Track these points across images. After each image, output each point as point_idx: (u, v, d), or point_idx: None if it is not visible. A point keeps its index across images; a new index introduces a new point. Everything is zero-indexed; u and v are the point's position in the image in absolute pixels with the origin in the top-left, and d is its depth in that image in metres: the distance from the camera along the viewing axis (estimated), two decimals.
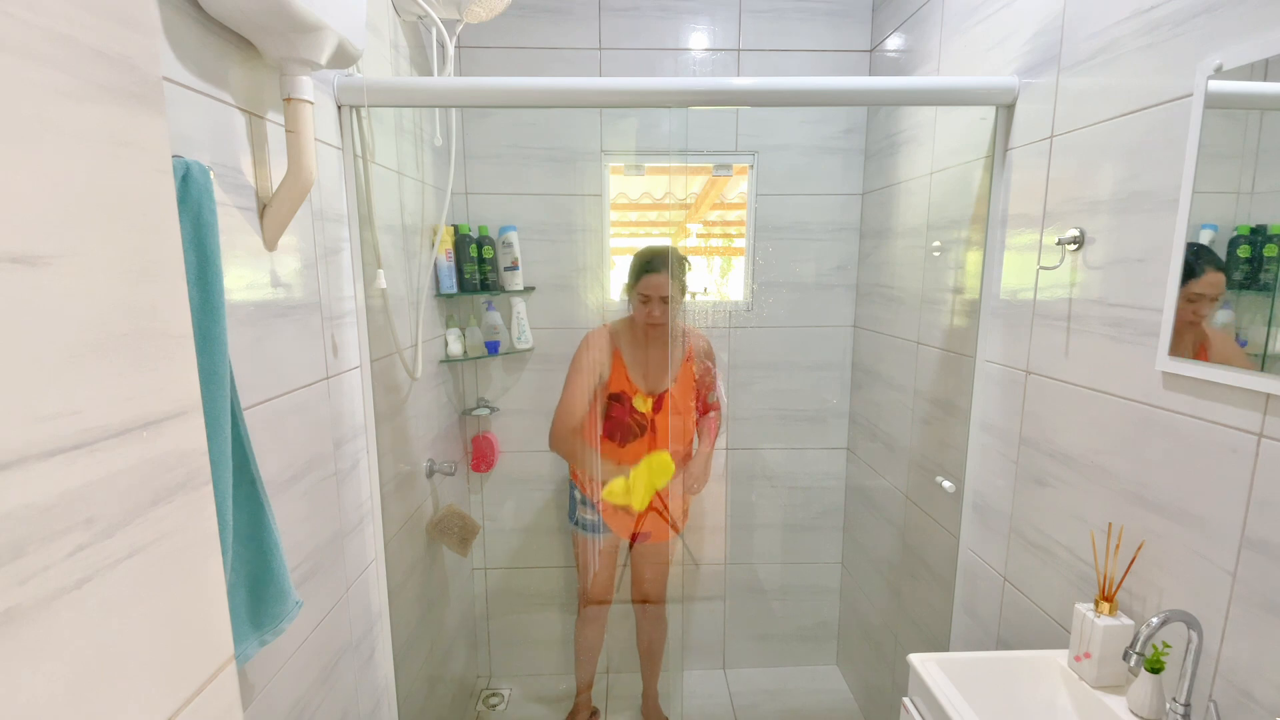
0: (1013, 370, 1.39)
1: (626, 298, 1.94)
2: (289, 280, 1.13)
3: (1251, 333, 0.87)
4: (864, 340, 2.24)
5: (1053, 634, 1.27)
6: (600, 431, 1.96)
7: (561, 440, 1.90)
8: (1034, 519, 1.32)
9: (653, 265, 1.83)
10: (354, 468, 1.40)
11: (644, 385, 1.94)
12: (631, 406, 1.91)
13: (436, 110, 1.90)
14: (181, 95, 0.86)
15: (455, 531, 2.01)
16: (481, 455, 2.27)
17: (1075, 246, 1.19)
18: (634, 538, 2.07)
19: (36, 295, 0.31)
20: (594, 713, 2.24)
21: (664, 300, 1.83)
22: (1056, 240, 1.22)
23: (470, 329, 2.15)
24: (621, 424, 1.94)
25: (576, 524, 2.07)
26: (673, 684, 2.36)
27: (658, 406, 1.93)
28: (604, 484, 1.92)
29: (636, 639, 2.25)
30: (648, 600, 2.19)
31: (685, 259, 1.94)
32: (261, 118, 1.04)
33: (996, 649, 1.45)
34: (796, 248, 2.26)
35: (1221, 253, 0.91)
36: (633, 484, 1.92)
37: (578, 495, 2.04)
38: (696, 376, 1.98)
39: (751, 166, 2.22)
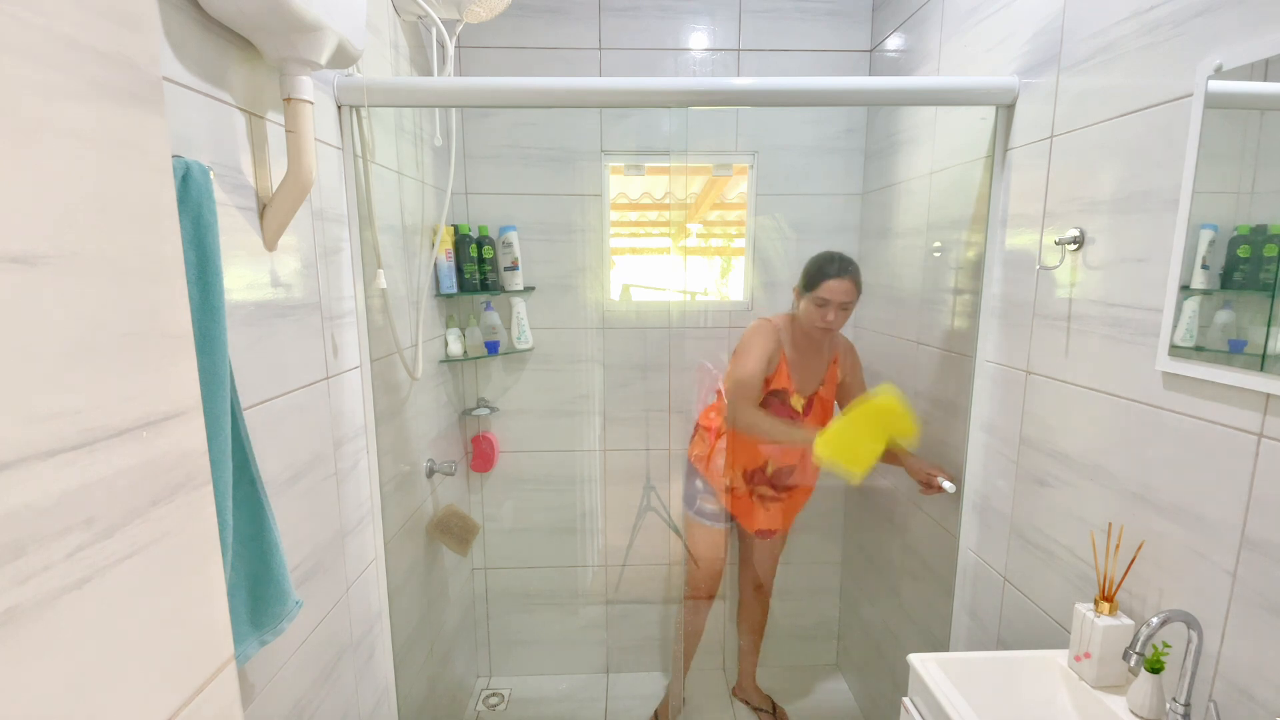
0: (1013, 370, 1.39)
1: (796, 297, 1.86)
2: (289, 280, 1.13)
3: (1251, 333, 0.87)
4: (864, 340, 2.24)
5: (1053, 634, 1.27)
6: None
7: (745, 414, 1.84)
8: (1034, 519, 1.32)
9: (836, 269, 1.75)
10: (354, 468, 1.40)
11: (799, 385, 1.91)
12: (788, 403, 1.90)
13: (436, 110, 1.90)
14: (181, 95, 0.86)
15: (455, 531, 2.01)
16: (481, 455, 2.27)
17: (1075, 246, 1.19)
18: (757, 533, 2.06)
19: (36, 295, 0.31)
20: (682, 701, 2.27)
21: (844, 308, 1.76)
22: (1056, 240, 1.22)
23: (470, 329, 2.15)
24: (779, 419, 1.90)
25: (696, 512, 2.04)
26: (673, 684, 2.36)
27: (808, 408, 1.93)
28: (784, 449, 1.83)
29: (738, 621, 2.31)
30: (759, 587, 2.22)
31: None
32: (261, 118, 1.04)
33: (997, 649, 1.45)
34: (796, 248, 2.26)
35: (1221, 252, 0.91)
36: (842, 435, 1.67)
37: (700, 484, 2.03)
38: (844, 379, 1.98)
39: (751, 166, 2.22)
